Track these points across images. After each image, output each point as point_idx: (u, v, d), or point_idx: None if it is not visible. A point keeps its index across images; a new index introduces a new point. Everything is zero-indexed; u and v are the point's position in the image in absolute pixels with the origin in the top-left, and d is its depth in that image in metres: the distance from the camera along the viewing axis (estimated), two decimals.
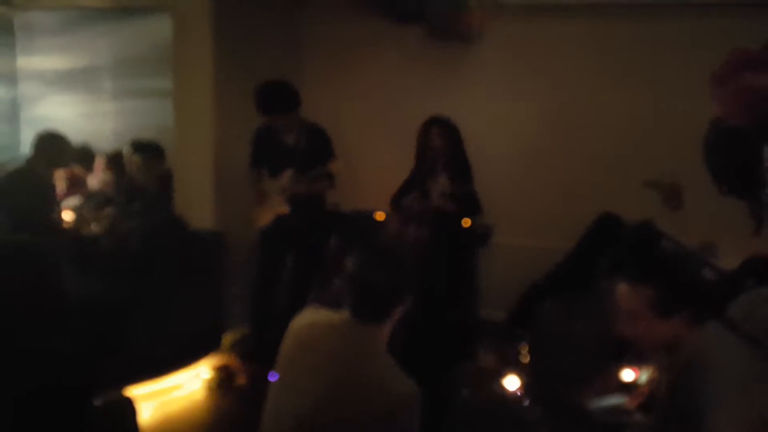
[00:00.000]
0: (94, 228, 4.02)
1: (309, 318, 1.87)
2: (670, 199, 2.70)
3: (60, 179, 4.41)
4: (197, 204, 3.78)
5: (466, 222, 3.26)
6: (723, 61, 2.53)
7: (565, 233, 3.17)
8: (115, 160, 4.58)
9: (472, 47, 4.04)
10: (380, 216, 3.44)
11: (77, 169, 4.76)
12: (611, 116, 3.77)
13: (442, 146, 3.34)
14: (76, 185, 4.69)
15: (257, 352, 3.44)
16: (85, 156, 4.84)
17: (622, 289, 1.69)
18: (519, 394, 2.34)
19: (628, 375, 2.15)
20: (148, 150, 3.85)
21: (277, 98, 3.40)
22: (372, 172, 4.08)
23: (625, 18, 3.71)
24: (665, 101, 3.62)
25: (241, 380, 3.31)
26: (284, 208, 3.53)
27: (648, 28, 3.66)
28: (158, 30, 4.12)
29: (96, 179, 4.71)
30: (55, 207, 4.05)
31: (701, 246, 2.84)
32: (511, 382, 2.36)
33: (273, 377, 1.88)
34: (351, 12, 4.32)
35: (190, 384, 3.30)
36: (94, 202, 4.33)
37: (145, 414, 2.77)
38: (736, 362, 1.59)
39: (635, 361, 2.17)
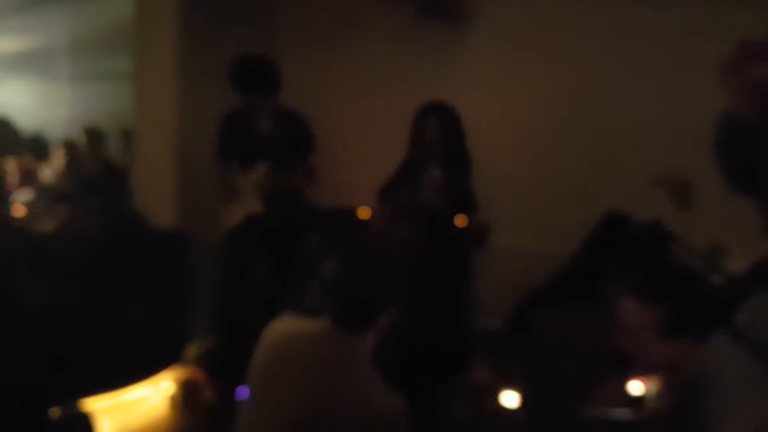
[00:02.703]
0: (47, 225, 3.93)
1: (285, 327, 1.84)
2: (679, 197, 2.70)
3: (10, 170, 4.32)
4: (158, 199, 3.70)
5: (461, 221, 3.20)
6: (730, 52, 2.54)
7: (569, 234, 3.15)
8: (71, 151, 4.52)
9: (466, 26, 3.97)
10: (364, 212, 3.38)
11: (29, 160, 4.68)
12: (618, 107, 3.74)
13: (438, 136, 3.26)
14: (27, 177, 4.61)
15: (225, 365, 3.36)
16: (37, 145, 4.76)
17: (629, 305, 1.70)
18: (517, 409, 2.32)
19: (635, 387, 2.14)
20: (90, 135, 3.80)
21: (260, 75, 3.31)
22: (355, 164, 4.01)
23: (630, 3, 3.70)
24: (674, 93, 3.61)
25: (208, 396, 3.23)
26: (257, 206, 3.44)
27: (655, 14, 3.65)
28: (119, 6, 4.06)
29: (49, 171, 4.63)
30: (4, 200, 3.96)
31: (710, 248, 2.84)
32: (509, 398, 2.33)
33: (243, 393, 1.84)
34: None
35: (151, 400, 3.21)
36: (48, 196, 4.25)
37: (103, 428, 2.70)
38: (742, 374, 1.60)
39: (640, 373, 2.16)
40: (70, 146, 4.58)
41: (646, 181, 2.79)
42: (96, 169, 4.36)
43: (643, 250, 2.77)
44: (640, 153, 3.61)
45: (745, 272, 2.47)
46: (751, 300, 1.98)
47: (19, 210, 4.09)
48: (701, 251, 2.78)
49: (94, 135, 4.38)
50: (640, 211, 3.06)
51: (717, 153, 2.57)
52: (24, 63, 5.03)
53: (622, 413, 2.06)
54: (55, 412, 1.98)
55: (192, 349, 3.62)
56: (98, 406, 2.70)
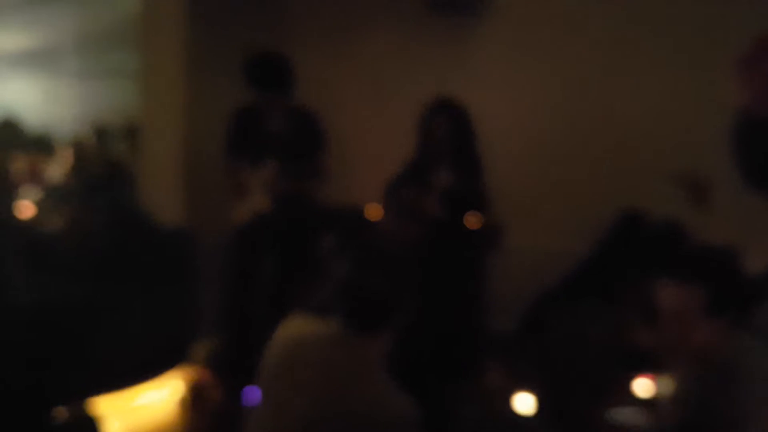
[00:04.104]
0: (54, 223, 3.94)
1: (295, 328, 1.83)
2: (696, 196, 2.67)
3: (17, 168, 4.33)
4: (166, 197, 3.70)
5: (473, 221, 3.17)
6: (749, 49, 2.51)
7: (583, 234, 3.13)
8: (78, 148, 4.54)
9: (479, 21, 3.95)
10: (373, 210, 3.35)
11: (36, 158, 4.69)
12: (633, 104, 3.72)
13: (446, 133, 3.22)
14: (34, 175, 4.63)
15: (233, 365, 3.36)
16: (44, 143, 4.77)
17: (669, 288, 1.68)
18: (531, 411, 2.30)
19: (642, 387, 2.11)
20: (97, 132, 3.81)
21: (275, 72, 3.33)
22: (366, 162, 4.00)
23: None
24: (691, 88, 3.58)
25: (215, 396, 3.23)
26: (266, 204, 3.43)
27: (672, 9, 3.62)
28: (126, 3, 4.07)
29: (56, 169, 4.64)
30: (11, 198, 3.96)
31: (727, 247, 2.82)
32: (522, 400, 2.30)
33: (251, 393, 1.83)
34: None
35: (159, 399, 3.21)
36: (55, 194, 4.26)
37: (110, 427, 2.70)
38: (766, 371, 1.61)
39: (654, 373, 2.14)
40: (76, 144, 4.60)
41: (662, 179, 2.77)
42: (103, 167, 4.37)
43: (659, 249, 2.75)
44: (656, 151, 3.58)
45: (762, 272, 2.43)
46: None
47: (25, 208, 4.10)
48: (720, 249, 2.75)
49: (101, 132, 4.40)
50: (656, 210, 3.04)
51: (734, 150, 2.55)
52: (31, 60, 5.06)
53: (636, 415, 2.04)
54: (60, 412, 1.97)
55: (199, 349, 3.62)
56: (106, 405, 2.69)
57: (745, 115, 2.57)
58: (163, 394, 3.24)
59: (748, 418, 1.54)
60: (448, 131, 3.20)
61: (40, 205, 4.15)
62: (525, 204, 3.78)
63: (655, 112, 3.66)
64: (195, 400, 3.18)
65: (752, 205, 2.55)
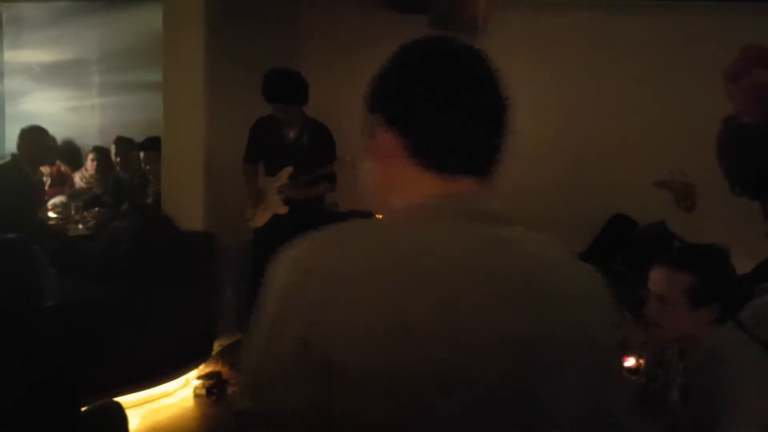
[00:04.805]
0: (80, 228, 4.02)
1: None
2: (683, 199, 2.69)
3: (45, 176, 4.41)
4: (187, 203, 3.76)
5: None
6: (734, 58, 2.55)
7: (574, 237, 3.17)
8: (102, 157, 4.61)
9: (476, 39, 4.00)
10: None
11: (63, 167, 4.78)
12: (621, 113, 3.76)
13: None
14: (61, 182, 4.71)
15: None
16: (70, 152, 4.86)
17: (661, 273, 1.72)
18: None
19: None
20: (120, 143, 3.87)
21: (288, 88, 3.41)
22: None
23: (634, 12, 3.71)
24: (677, 98, 3.62)
25: (234, 389, 3.29)
26: (282, 208, 3.52)
27: (658, 23, 3.66)
28: (149, 20, 4.13)
29: (82, 178, 4.72)
30: (40, 205, 4.05)
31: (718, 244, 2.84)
32: None
33: None
34: (351, 1, 4.31)
35: (180, 391, 3.29)
36: (80, 201, 4.35)
37: (132, 421, 2.78)
38: (753, 363, 1.63)
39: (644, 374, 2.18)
40: (101, 154, 4.66)
41: (649, 183, 2.80)
42: (126, 176, 4.43)
43: (648, 251, 2.78)
44: (646, 156, 3.62)
45: (748, 274, 2.47)
46: (754, 300, 2.00)
47: (54, 214, 4.19)
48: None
49: (125, 143, 4.46)
50: (646, 213, 3.07)
51: (720, 156, 2.58)
52: (58, 74, 5.10)
53: None
54: (86, 404, 2.03)
55: (219, 345, 3.69)
56: (129, 398, 2.76)
57: (731, 121, 2.61)
58: (184, 387, 3.33)
59: (732, 407, 1.56)
60: None
61: (65, 211, 4.25)
62: (523, 206, 3.83)
63: (645, 118, 3.71)
64: (214, 393, 3.26)
65: (738, 209, 2.58)
